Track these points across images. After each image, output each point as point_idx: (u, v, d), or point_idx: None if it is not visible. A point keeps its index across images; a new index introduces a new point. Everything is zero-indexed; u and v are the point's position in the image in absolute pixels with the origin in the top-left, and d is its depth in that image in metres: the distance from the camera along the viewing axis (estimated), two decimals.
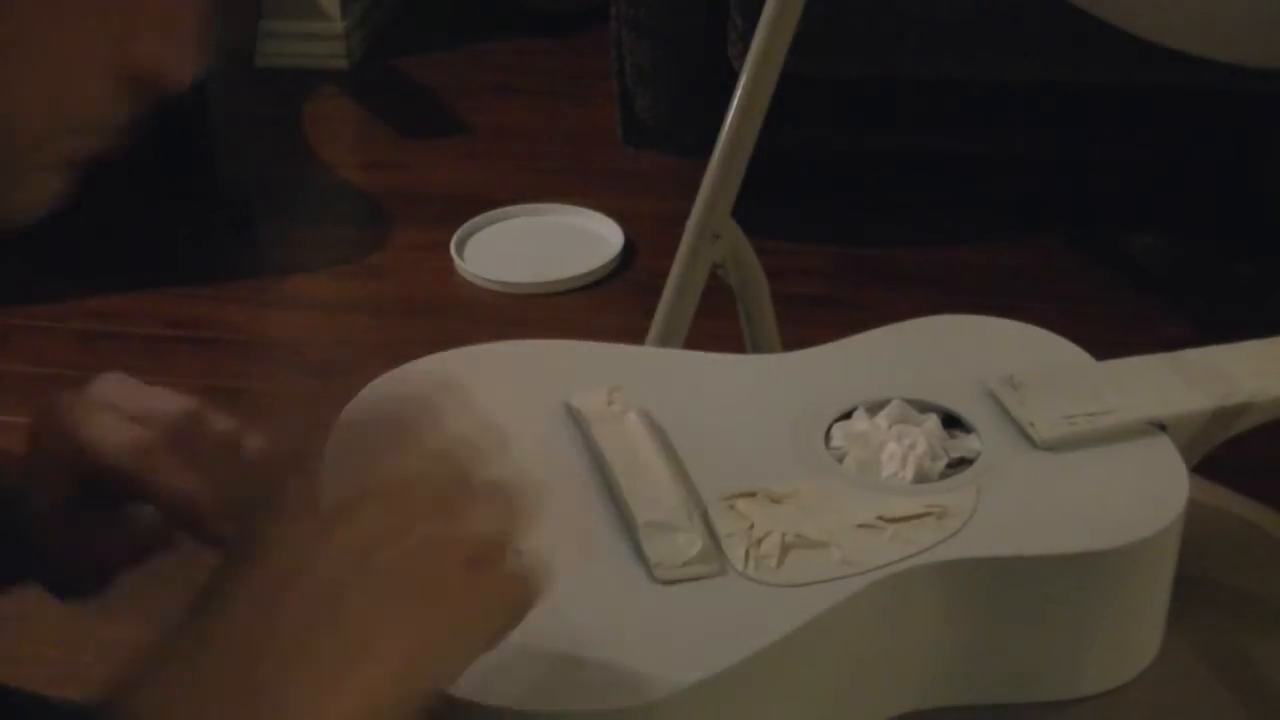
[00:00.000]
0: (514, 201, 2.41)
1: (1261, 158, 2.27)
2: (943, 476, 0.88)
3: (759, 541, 0.82)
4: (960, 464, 0.89)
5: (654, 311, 1.39)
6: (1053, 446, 0.89)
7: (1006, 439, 0.90)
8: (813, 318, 2.04)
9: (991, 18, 2.06)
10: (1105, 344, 0.98)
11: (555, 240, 2.35)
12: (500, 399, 0.94)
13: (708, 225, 1.34)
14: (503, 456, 0.71)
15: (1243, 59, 1.23)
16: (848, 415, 0.92)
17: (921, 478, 0.88)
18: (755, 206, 1.43)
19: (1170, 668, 0.89)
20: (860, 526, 0.83)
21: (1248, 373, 0.95)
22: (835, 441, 0.90)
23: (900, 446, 0.89)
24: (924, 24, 2.08)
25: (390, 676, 0.64)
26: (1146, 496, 0.86)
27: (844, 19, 2.05)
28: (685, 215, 1.38)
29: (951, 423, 0.92)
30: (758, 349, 1.37)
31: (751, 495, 0.85)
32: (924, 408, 0.92)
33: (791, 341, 1.35)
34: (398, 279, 2.28)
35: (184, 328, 2.20)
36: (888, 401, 0.92)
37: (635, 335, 1.40)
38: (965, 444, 0.90)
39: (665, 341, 1.33)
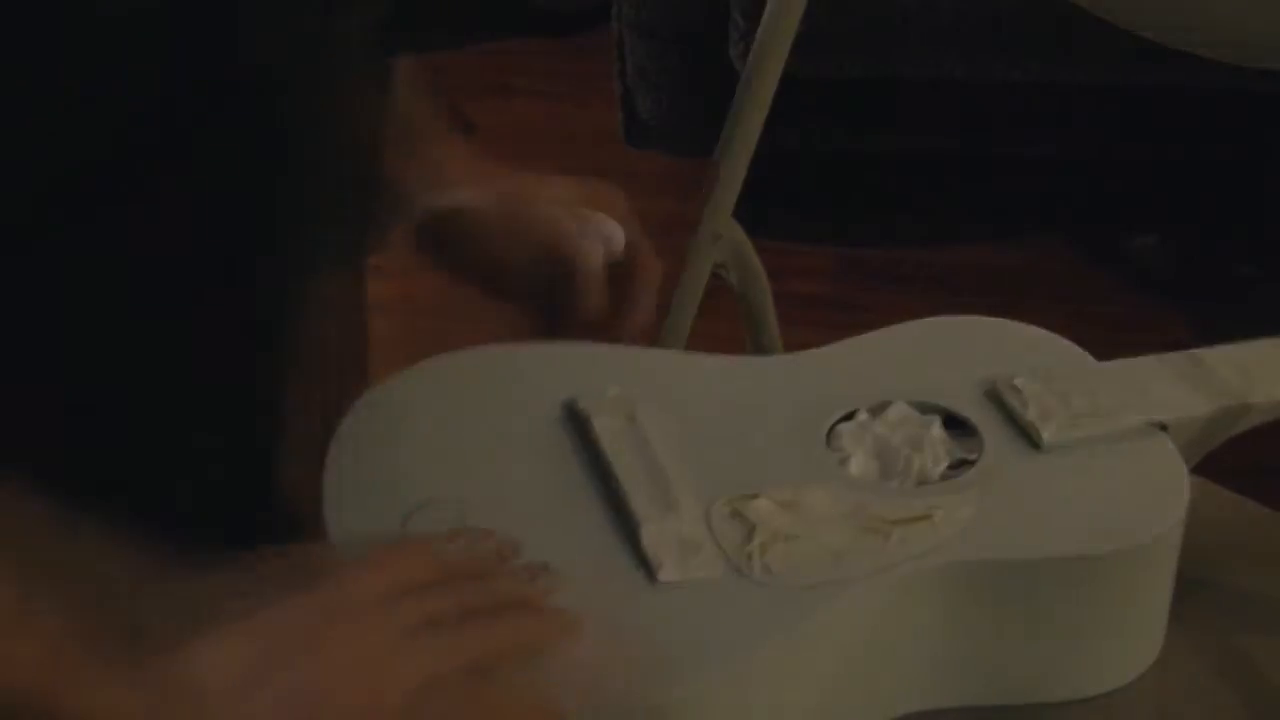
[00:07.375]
0: None
1: (1262, 158, 2.27)
2: (944, 478, 0.88)
3: (761, 543, 0.82)
4: (962, 465, 0.89)
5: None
6: (1054, 448, 0.89)
7: (1008, 440, 0.90)
8: (813, 318, 2.03)
9: (992, 18, 2.06)
10: (1105, 345, 0.97)
11: None
12: (501, 400, 0.94)
13: (709, 226, 1.34)
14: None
15: (1243, 59, 1.23)
16: (850, 416, 0.92)
17: (923, 479, 0.88)
18: (755, 206, 1.43)
19: (1170, 668, 0.89)
20: (862, 528, 0.83)
21: (1248, 374, 0.95)
22: (837, 443, 0.90)
23: (903, 448, 0.89)
24: (924, 24, 2.08)
25: None
26: (1148, 498, 0.86)
27: (844, 19, 2.05)
28: (686, 216, 1.38)
29: (953, 424, 0.92)
30: (759, 350, 1.37)
31: (753, 497, 0.85)
32: (926, 409, 0.92)
33: (792, 342, 1.35)
34: (398, 279, 2.27)
35: None
36: (890, 403, 0.92)
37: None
38: (967, 445, 0.90)
39: (666, 343, 1.33)
